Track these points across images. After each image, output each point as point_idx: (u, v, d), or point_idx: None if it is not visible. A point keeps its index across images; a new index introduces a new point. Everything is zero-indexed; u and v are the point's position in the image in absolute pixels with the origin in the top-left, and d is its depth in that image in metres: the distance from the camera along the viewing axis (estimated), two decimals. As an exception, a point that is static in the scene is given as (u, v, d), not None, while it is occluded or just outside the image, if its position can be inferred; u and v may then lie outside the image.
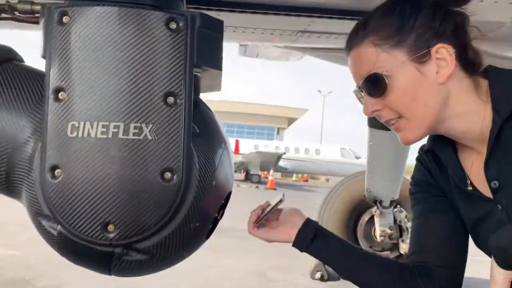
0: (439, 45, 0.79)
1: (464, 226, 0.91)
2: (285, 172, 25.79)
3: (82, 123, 0.79)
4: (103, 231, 0.79)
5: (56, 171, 0.79)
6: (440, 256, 0.91)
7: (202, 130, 0.87)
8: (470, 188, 0.86)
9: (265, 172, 22.60)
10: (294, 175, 36.17)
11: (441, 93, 0.80)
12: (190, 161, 0.81)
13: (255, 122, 34.76)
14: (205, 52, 0.86)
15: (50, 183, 0.79)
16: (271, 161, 20.80)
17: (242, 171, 24.93)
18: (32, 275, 2.86)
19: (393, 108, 0.81)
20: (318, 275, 3.27)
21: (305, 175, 35.24)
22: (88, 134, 0.79)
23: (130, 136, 0.79)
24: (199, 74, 0.91)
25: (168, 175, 0.79)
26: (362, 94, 0.84)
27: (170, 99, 0.80)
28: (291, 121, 35.95)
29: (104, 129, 0.78)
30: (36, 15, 0.89)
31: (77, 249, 0.83)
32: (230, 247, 4.59)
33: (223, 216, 0.96)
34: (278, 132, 35.77)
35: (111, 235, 0.79)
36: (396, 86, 0.79)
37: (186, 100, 0.81)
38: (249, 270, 3.54)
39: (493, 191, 0.82)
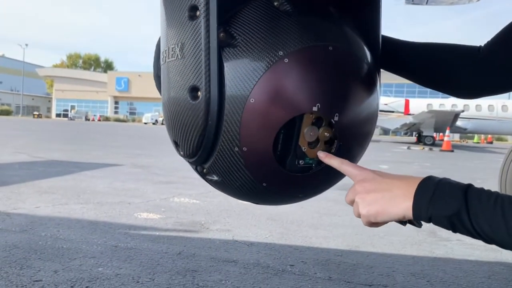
0: None
1: None
2: (464, 132, 23.33)
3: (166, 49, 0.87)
4: (178, 150, 0.88)
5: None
6: None
7: (242, 39, 0.76)
8: None
9: (440, 134, 20.77)
10: (476, 137, 32.52)
11: None
12: (214, 77, 0.75)
13: (428, 80, 31.94)
14: None
15: None
16: (446, 121, 19.00)
17: (414, 133, 23.36)
18: (208, 220, 3.19)
19: None
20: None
21: (488, 136, 31.55)
22: (165, 59, 0.87)
23: (171, 58, 0.82)
24: None
25: (197, 94, 0.77)
26: None
27: (192, 13, 0.75)
28: (471, 76, 31.94)
29: (172, 52, 0.83)
30: None
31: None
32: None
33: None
34: (455, 90, 32.30)
35: (181, 153, 0.87)
36: None
37: (208, 10, 0.73)
38: (417, 228, 3.33)
39: None
